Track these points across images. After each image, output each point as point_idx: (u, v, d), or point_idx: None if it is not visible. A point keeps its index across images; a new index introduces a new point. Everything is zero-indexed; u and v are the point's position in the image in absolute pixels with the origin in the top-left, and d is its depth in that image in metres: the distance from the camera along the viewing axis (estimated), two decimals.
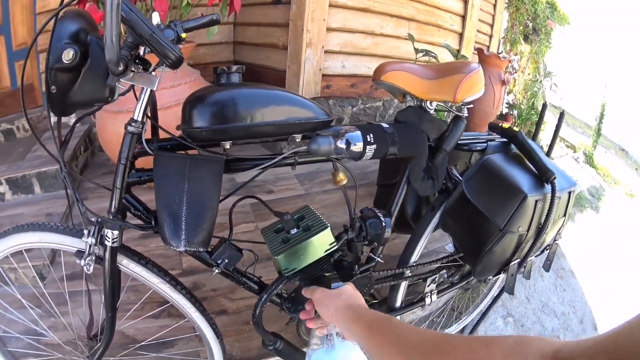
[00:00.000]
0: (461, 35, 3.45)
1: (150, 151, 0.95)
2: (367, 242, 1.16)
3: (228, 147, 0.99)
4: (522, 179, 1.14)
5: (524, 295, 2.20)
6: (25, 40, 2.80)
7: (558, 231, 1.30)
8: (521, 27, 5.10)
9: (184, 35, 0.88)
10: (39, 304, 1.46)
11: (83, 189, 2.53)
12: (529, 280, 2.26)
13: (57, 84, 0.80)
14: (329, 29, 2.60)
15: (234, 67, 0.99)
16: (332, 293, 0.86)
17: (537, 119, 3.65)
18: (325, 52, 2.64)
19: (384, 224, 1.13)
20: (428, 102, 1.19)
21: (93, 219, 0.96)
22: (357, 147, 1.01)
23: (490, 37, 4.32)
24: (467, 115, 1.23)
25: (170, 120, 1.03)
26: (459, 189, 1.24)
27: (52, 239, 1.02)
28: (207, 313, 1.19)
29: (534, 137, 2.71)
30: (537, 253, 1.29)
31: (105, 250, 0.98)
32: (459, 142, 1.24)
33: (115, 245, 0.97)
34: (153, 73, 0.87)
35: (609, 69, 7.77)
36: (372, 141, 1.03)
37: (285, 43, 2.68)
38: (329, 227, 1.06)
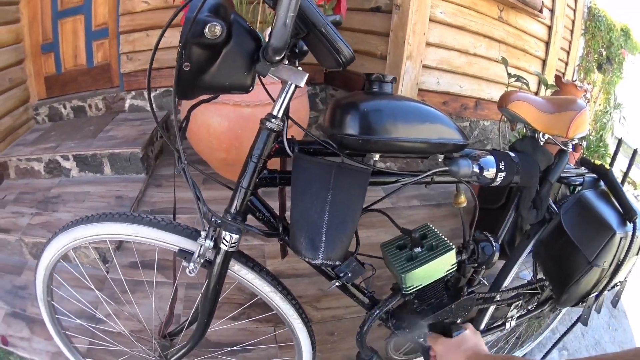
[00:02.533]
0: (544, 61, 3.42)
1: (290, 153, 0.88)
2: (476, 265, 1.16)
3: (377, 158, 0.94)
4: (610, 216, 1.19)
5: (580, 330, 2.22)
6: (105, 21, 2.77)
7: (630, 269, 1.34)
8: (596, 56, 5.01)
9: None
10: (100, 287, 1.37)
11: (156, 175, 2.43)
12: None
13: (192, 61, 0.70)
14: (427, 44, 2.59)
15: (389, 77, 0.95)
16: (452, 344, 0.87)
17: (604, 152, 3.66)
18: (423, 66, 2.62)
19: (494, 248, 1.13)
20: (541, 133, 1.24)
21: (212, 220, 0.87)
22: (490, 173, 1.03)
23: (566, 64, 4.23)
24: (571, 150, 1.28)
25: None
26: (556, 219, 1.29)
27: (149, 234, 0.91)
28: (310, 325, 1.14)
29: None
30: (609, 288, 1.33)
31: (217, 254, 0.89)
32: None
33: (232, 250, 0.88)
34: (300, 68, 0.79)
35: None
36: (503, 169, 1.05)
37: (383, 52, 2.66)
38: (455, 249, 1.04)
